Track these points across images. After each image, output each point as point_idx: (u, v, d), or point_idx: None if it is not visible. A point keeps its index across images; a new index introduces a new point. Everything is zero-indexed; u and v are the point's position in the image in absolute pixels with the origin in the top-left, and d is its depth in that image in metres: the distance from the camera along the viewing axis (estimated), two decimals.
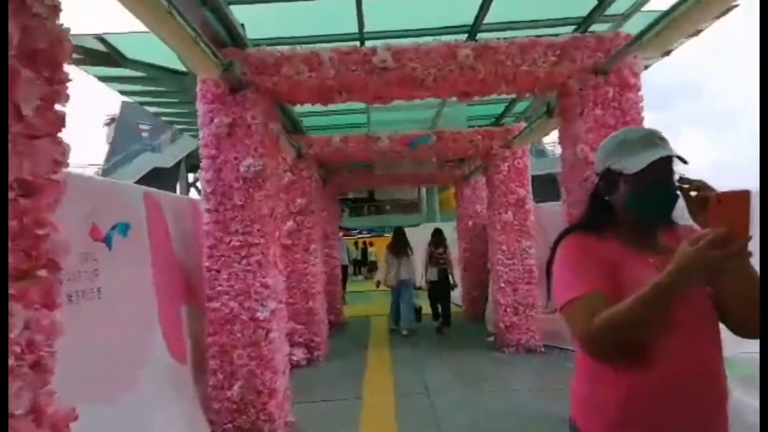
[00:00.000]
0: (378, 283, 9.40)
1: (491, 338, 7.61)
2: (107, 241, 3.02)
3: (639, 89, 3.93)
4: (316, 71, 3.98)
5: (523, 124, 6.66)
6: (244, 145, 3.95)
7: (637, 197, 1.43)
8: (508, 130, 6.86)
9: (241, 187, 3.93)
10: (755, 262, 1.34)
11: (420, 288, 9.54)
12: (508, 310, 6.95)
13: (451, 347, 7.50)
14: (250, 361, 3.77)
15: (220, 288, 3.85)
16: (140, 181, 21.29)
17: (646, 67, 4.33)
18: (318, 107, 6.37)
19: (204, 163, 4.01)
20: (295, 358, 6.38)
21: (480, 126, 7.08)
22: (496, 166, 6.89)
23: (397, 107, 6.46)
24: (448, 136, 6.93)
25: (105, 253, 2.97)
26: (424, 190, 26.78)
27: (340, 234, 11.57)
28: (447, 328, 8.63)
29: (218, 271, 3.88)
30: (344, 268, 11.23)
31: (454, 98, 4.50)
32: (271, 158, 4.12)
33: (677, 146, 1.46)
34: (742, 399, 4.78)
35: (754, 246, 1.20)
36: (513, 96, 6.19)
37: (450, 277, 8.79)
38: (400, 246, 8.86)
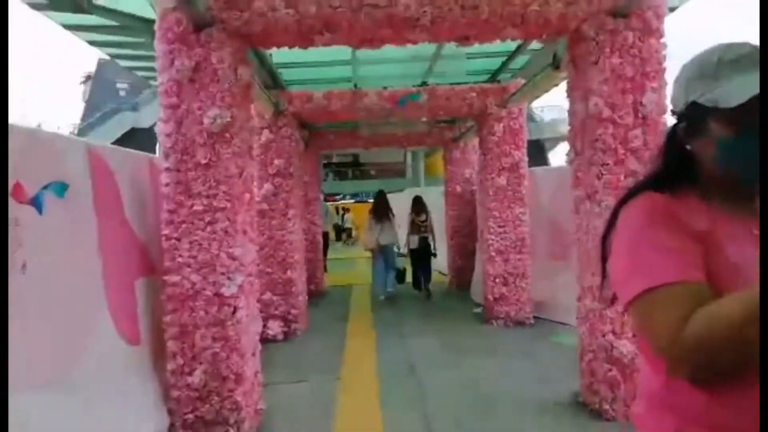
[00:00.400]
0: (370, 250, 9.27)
1: (479, 309, 7.30)
2: (36, 203, 2.50)
3: (662, 35, 3.44)
4: (293, 7, 3.39)
5: (521, 81, 6.14)
6: (209, 93, 3.39)
7: (738, 143, 0.97)
8: (504, 87, 6.33)
9: (206, 143, 3.39)
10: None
11: (404, 255, 9.41)
12: (497, 280, 6.58)
13: (436, 319, 7.16)
14: (214, 342, 3.31)
15: (180, 259, 3.35)
16: (118, 142, 20.55)
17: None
18: (298, 57, 5.84)
19: (163, 113, 3.45)
20: (270, 332, 5.97)
21: (474, 83, 6.54)
22: (491, 126, 6.39)
23: (386, 59, 5.93)
24: (440, 94, 6.38)
25: (34, 218, 2.46)
26: (409, 154, 26.30)
27: (321, 197, 11.04)
28: (426, 292, 8.74)
29: (178, 240, 3.37)
30: (325, 234, 10.71)
31: (453, 44, 3.97)
32: (240, 110, 3.57)
33: None
34: None
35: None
36: (511, 49, 5.66)
37: (431, 244, 8.76)
38: (381, 210, 8.72)
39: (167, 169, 3.39)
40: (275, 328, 6.06)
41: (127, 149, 3.59)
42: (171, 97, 3.41)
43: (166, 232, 3.37)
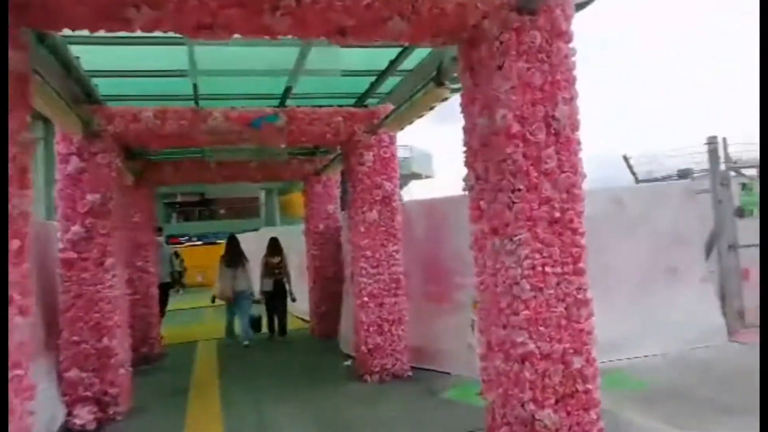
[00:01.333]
0: (214, 299, 8.65)
1: (348, 362, 6.44)
2: None
3: (570, 38, 2.92)
4: None
5: (390, 107, 5.49)
6: None
7: None
8: (373, 112, 5.64)
9: None
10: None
11: (258, 301, 8.72)
12: (371, 329, 5.76)
13: (300, 378, 6.11)
14: None
15: None
16: None
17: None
18: (120, 63, 4.59)
19: None
20: (78, 421, 4.51)
21: (339, 106, 5.77)
22: (360, 155, 5.64)
23: (236, 71, 4.93)
24: (302, 117, 5.48)
25: None
26: (263, 193, 25.14)
27: (161, 239, 9.37)
28: (282, 336, 8.48)
29: None
30: (166, 285, 9.00)
31: (322, 49, 3.12)
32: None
33: None
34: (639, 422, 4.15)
35: None
36: (381, 68, 4.98)
37: (287, 286, 8.44)
38: (233, 255, 8.26)
39: None
40: (85, 415, 4.54)
41: None
42: None
43: None
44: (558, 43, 2.87)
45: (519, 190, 2.83)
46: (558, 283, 2.88)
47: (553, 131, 2.86)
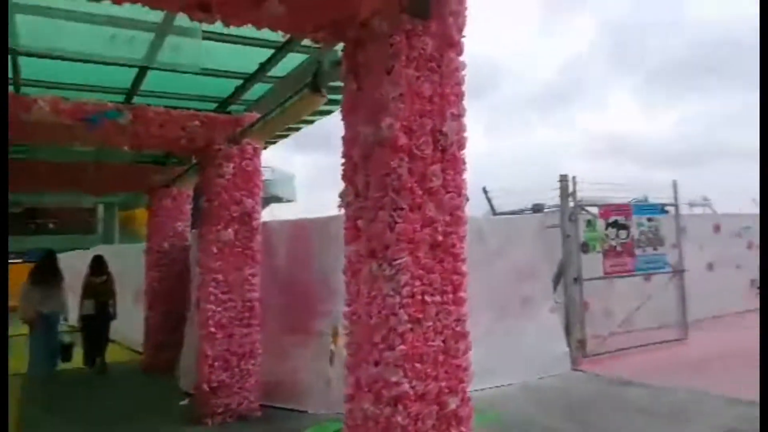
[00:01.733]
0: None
1: (185, 401, 5.71)
2: None
3: (461, 51, 2.76)
4: None
5: (256, 115, 5.02)
6: None
7: None
8: (237, 119, 5.11)
9: None
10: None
11: (73, 329, 7.86)
12: (216, 363, 5.08)
13: (123, 423, 5.21)
14: None
15: None
16: None
17: None
18: None
19: None
20: None
21: (198, 110, 5.14)
22: (218, 166, 5.03)
23: (71, 54, 4.10)
24: (152, 117, 4.76)
25: None
26: (101, 206, 22.63)
27: None
28: (101, 366, 7.50)
29: None
30: None
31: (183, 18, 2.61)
32: None
33: None
34: None
35: None
36: (249, 71, 4.53)
37: (111, 310, 7.61)
38: (45, 272, 7.24)
39: None
40: None
41: None
42: None
43: None
44: (449, 54, 2.68)
45: (402, 208, 2.54)
46: (437, 314, 2.63)
47: (440, 147, 2.64)
